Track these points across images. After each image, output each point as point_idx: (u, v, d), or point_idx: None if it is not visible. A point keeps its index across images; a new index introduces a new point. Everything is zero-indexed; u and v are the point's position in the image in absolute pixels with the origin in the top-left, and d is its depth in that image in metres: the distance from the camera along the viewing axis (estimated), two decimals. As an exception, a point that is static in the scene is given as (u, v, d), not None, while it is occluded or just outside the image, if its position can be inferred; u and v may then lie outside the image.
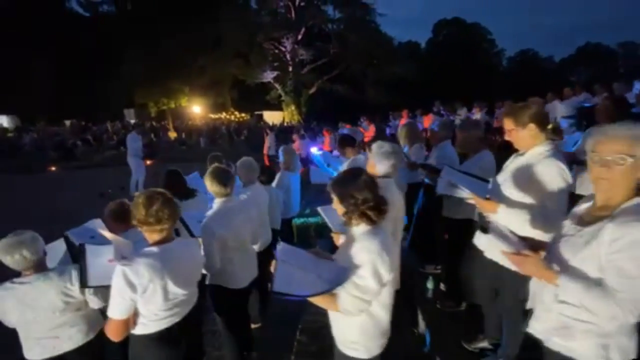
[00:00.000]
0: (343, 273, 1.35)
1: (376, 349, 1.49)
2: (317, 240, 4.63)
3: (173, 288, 1.62)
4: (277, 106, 27.09)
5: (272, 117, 28.04)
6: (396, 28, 24.48)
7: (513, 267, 1.42)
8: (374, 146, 2.19)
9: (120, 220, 2.47)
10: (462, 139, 2.69)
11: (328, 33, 24.44)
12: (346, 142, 3.68)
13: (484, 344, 2.40)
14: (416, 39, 30.97)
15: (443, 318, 2.87)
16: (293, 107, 25.24)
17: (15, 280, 1.78)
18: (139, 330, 1.63)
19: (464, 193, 2.03)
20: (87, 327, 1.98)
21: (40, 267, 1.84)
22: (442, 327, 2.75)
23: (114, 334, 1.55)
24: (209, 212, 2.40)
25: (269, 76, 24.70)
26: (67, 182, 11.05)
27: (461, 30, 35.22)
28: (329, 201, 1.55)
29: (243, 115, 26.33)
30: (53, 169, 13.17)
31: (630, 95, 4.92)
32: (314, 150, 7.11)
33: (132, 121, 23.58)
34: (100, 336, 1.94)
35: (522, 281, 1.54)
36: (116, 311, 1.51)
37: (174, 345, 1.72)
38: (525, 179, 1.80)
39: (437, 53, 33.73)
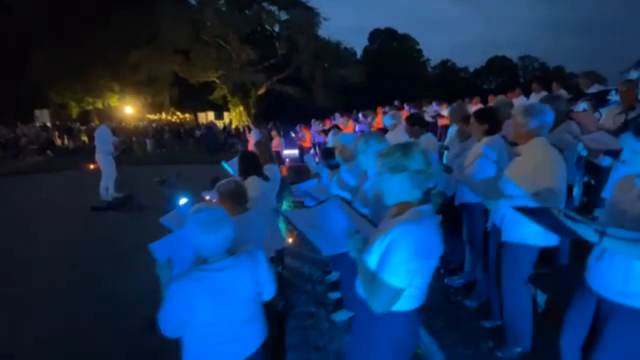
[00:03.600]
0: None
1: None
2: None
3: None
4: (221, 107, 25.89)
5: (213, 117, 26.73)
6: (333, 34, 25.08)
7: None
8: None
9: (239, 202, 2.26)
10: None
11: (275, 34, 24.25)
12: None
13: None
14: (350, 45, 32.51)
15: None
16: (241, 108, 24.40)
17: (204, 267, 1.45)
18: (403, 305, 1.37)
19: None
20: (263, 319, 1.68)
21: (232, 248, 1.55)
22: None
23: (384, 305, 1.30)
24: None
25: (213, 75, 23.51)
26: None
27: (393, 40, 38.01)
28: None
29: (187, 115, 24.53)
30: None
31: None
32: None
33: (48, 123, 20.26)
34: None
35: None
36: (402, 280, 1.26)
37: None
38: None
39: (373, 59, 35.78)
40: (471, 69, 44.08)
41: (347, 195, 2.50)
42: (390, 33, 38.24)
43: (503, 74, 41.02)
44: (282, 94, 24.72)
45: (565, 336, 1.75)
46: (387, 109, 10.22)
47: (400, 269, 1.22)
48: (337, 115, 10.97)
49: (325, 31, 23.97)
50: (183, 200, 6.11)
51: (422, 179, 1.30)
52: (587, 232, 1.32)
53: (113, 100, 23.59)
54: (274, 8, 23.94)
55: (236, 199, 2.22)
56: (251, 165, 2.92)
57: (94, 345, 2.86)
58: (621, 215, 1.46)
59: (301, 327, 2.86)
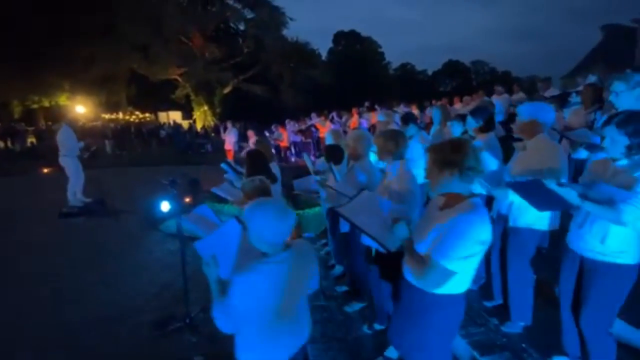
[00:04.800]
0: None
1: None
2: None
3: None
4: (184, 106, 24.87)
5: (178, 117, 25.66)
6: (296, 35, 25.09)
7: None
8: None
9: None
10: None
11: (240, 32, 23.78)
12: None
13: None
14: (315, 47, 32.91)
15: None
16: (206, 107, 23.62)
17: (267, 260, 1.44)
18: (454, 289, 1.48)
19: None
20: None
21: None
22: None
23: (438, 285, 1.41)
24: None
25: (175, 73, 22.51)
26: None
27: (357, 42, 38.92)
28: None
29: (147, 115, 23.24)
30: None
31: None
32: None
33: None
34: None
35: None
36: (459, 264, 1.37)
37: None
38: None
39: (337, 61, 36.38)
40: (429, 72, 46.38)
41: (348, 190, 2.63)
42: (354, 36, 39.11)
43: (457, 77, 43.63)
44: (249, 93, 24.31)
45: (564, 303, 2.02)
46: (362, 109, 10.54)
47: (459, 254, 1.34)
48: (313, 115, 11.07)
49: (289, 32, 23.85)
50: (165, 204, 5.90)
51: (471, 175, 1.41)
52: (571, 195, 1.60)
53: (62, 99, 21.71)
54: (238, 6, 23.45)
55: (263, 196, 2.25)
56: (260, 165, 2.92)
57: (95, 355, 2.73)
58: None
59: (317, 320, 2.90)
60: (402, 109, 11.14)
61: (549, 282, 2.74)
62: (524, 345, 2.40)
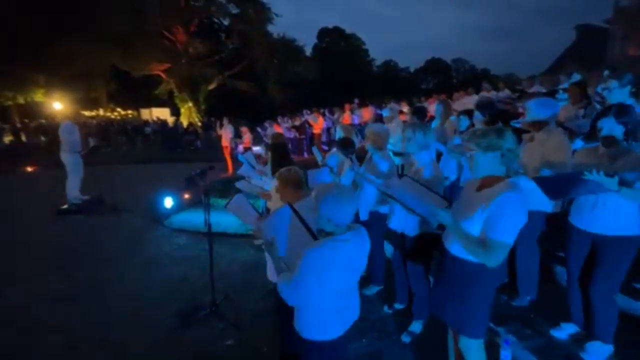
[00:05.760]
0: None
1: None
2: None
3: None
4: (167, 102, 24.34)
5: (161, 113, 25.08)
6: (280, 30, 25.03)
7: None
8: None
9: (302, 187, 2.44)
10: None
11: (225, 27, 23.43)
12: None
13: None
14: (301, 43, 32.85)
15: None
16: (190, 104, 23.21)
17: (335, 238, 1.56)
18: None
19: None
20: None
21: None
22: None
23: (498, 260, 1.56)
24: None
25: (158, 68, 21.99)
26: None
27: (341, 39, 39.13)
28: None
29: (129, 112, 22.60)
30: None
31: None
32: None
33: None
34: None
35: None
36: (513, 237, 1.56)
37: None
38: None
39: (322, 57, 36.46)
40: (412, 69, 47.19)
41: (378, 180, 2.80)
42: (338, 32, 39.28)
43: (439, 75, 44.59)
44: (234, 89, 24.06)
45: (572, 278, 2.28)
46: (353, 106, 10.75)
47: (511, 228, 1.54)
48: (305, 111, 11.18)
49: (275, 28, 23.74)
50: (168, 200, 5.91)
51: (511, 157, 1.61)
52: (612, 183, 1.79)
53: (38, 95, 20.80)
54: (223, 0, 23.09)
55: (299, 184, 2.37)
56: (286, 156, 3.05)
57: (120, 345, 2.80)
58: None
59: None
60: (392, 105, 11.47)
61: (546, 259, 3.03)
62: (532, 315, 2.68)
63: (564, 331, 2.41)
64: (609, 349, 2.14)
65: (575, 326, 2.38)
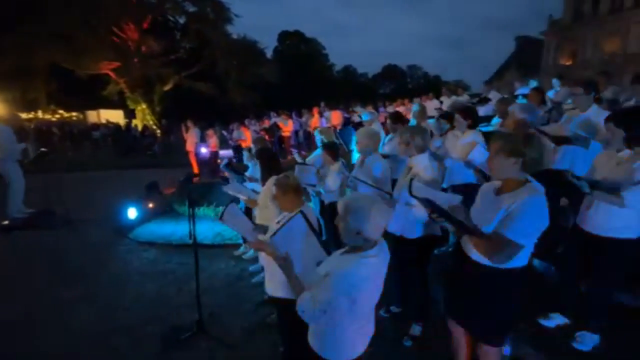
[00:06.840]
0: None
1: None
2: None
3: None
4: (118, 104, 22.64)
5: (111, 115, 23.32)
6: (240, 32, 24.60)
7: None
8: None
9: (301, 193, 2.37)
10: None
11: (181, 26, 22.37)
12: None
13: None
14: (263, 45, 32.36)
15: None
16: (144, 105, 21.78)
17: (365, 254, 1.46)
18: (521, 261, 1.65)
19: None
20: None
21: None
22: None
23: (507, 259, 1.58)
24: None
25: (106, 67, 20.35)
26: None
27: (302, 42, 39.20)
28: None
29: (73, 114, 20.67)
30: None
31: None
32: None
33: None
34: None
35: None
36: (528, 238, 1.58)
37: None
38: None
39: (283, 60, 36.28)
40: (370, 75, 48.62)
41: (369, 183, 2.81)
42: (298, 36, 39.31)
43: (395, 80, 46.41)
44: (192, 91, 23.03)
45: (570, 272, 2.43)
46: (322, 108, 10.78)
47: (529, 230, 1.57)
48: (272, 114, 10.99)
49: (235, 29, 23.16)
50: (132, 211, 5.46)
51: (533, 165, 1.66)
52: (584, 185, 1.96)
53: (-38, 95, 18.32)
54: (177, -3, 22.01)
55: (299, 189, 2.27)
56: (276, 162, 2.92)
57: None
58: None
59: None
60: (359, 109, 11.69)
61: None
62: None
63: (553, 321, 2.56)
64: (596, 337, 2.31)
65: (564, 317, 2.54)
